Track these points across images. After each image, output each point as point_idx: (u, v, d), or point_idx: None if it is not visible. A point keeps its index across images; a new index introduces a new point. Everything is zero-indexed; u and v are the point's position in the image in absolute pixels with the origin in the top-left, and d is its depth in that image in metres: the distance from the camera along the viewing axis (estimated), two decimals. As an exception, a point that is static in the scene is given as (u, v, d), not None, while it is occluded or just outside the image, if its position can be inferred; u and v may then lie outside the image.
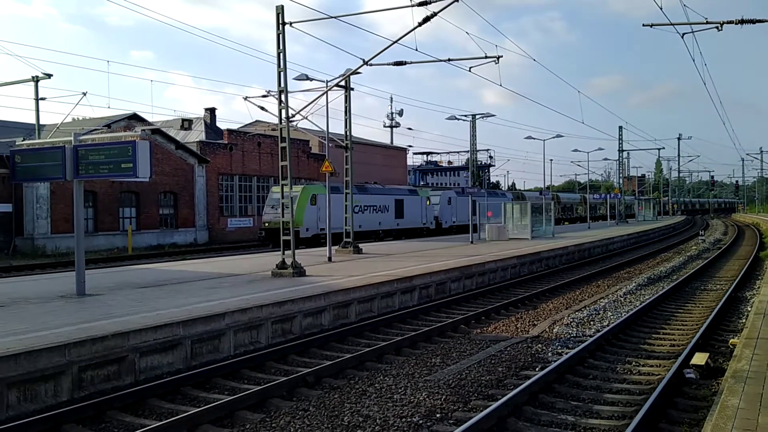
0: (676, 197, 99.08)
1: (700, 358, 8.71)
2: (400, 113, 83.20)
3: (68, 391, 7.79)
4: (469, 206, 29.31)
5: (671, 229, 52.64)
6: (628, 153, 61.74)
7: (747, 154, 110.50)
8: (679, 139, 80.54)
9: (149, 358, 8.84)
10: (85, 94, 25.56)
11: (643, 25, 17.61)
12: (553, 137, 42.30)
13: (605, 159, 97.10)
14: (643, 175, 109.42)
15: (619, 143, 57.84)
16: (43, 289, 13.43)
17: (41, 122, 28.59)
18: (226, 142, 42.80)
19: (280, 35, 15.46)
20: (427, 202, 41.83)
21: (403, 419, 6.96)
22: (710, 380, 8.25)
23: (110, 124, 34.35)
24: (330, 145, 22.40)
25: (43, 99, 28.28)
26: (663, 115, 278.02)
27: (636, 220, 64.15)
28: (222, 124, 51.68)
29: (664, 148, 69.74)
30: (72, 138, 12.09)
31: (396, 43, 15.81)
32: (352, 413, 7.20)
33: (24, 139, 17.65)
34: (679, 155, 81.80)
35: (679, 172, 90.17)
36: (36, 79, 27.35)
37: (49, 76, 27.52)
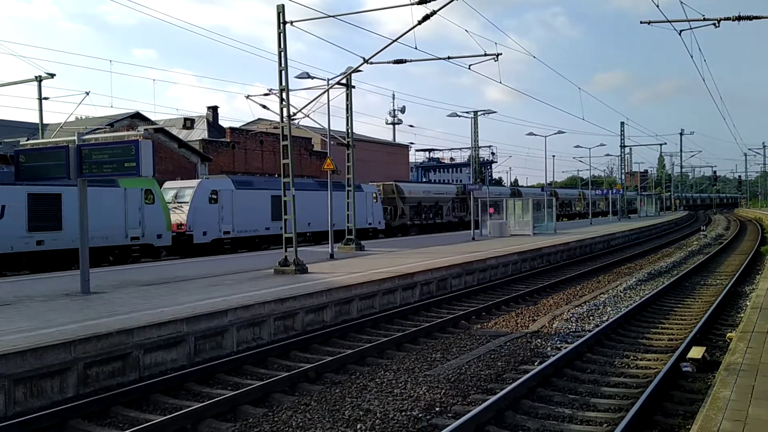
0: (678, 193, 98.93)
1: (696, 352, 8.82)
2: (403, 110, 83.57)
3: (74, 387, 7.93)
4: (471, 203, 29.38)
5: (673, 224, 52.60)
6: (630, 149, 61.67)
7: (749, 149, 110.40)
8: (681, 134, 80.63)
9: (153, 355, 8.98)
10: (88, 93, 25.76)
11: (641, 22, 17.57)
12: (554, 133, 42.58)
13: (607, 155, 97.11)
14: (646, 171, 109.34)
15: (621, 139, 57.81)
16: (48, 288, 13.57)
17: (45, 122, 28.70)
18: (229, 140, 42.94)
19: (281, 34, 15.57)
20: (146, 200, 22.95)
21: (403, 413, 7.07)
22: (707, 374, 8.35)
23: (113, 123, 34.51)
24: (332, 142, 22.49)
25: (46, 99, 28.37)
26: (666, 111, 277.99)
27: (638, 215, 64.15)
28: (224, 123, 51.67)
29: (666, 143, 70.05)
30: (75, 137, 12.22)
31: (396, 42, 15.91)
32: (352, 407, 7.31)
33: (28, 139, 17.77)
34: (681, 151, 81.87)
35: (681, 167, 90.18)
36: (39, 79, 27.47)
37: (52, 75, 27.62)
